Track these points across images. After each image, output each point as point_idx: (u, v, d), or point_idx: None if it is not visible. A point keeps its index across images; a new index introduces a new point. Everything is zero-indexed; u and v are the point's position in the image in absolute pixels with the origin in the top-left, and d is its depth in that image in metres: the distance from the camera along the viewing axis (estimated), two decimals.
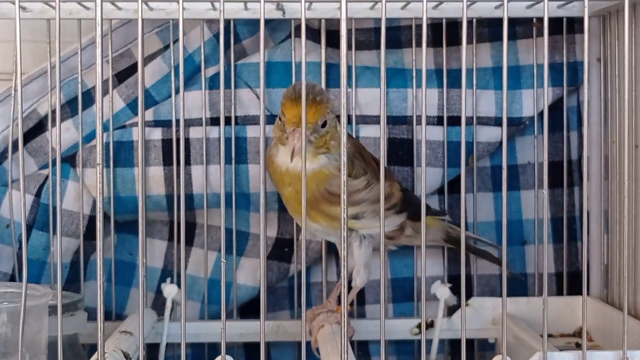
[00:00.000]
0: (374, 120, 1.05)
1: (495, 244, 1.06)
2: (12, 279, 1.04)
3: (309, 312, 0.95)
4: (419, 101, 1.05)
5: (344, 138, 0.74)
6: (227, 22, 1.04)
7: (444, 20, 1.06)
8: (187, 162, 1.04)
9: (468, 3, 0.80)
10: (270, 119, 1.05)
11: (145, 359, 0.77)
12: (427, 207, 1.02)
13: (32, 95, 1.07)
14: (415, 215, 0.94)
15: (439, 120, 1.06)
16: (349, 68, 1.04)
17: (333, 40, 1.05)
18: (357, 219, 0.92)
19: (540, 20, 1.04)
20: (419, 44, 1.05)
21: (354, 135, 1.03)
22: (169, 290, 1.01)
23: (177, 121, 1.04)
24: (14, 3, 0.75)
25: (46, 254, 1.04)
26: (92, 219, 1.04)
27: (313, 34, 1.05)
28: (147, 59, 1.08)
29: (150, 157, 1.04)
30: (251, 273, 1.08)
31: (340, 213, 0.88)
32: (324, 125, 0.88)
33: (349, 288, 0.93)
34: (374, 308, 1.10)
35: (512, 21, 1.05)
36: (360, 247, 0.93)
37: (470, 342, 1.08)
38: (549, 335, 0.95)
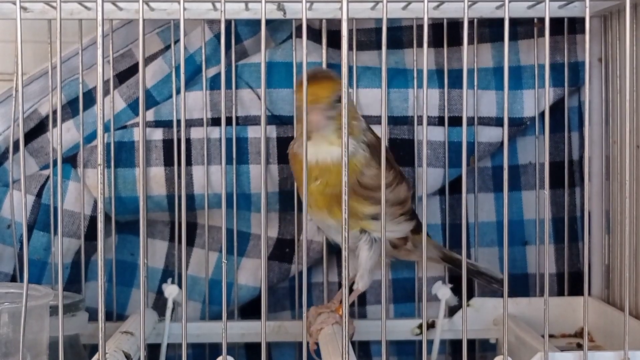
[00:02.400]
0: (375, 120, 1.05)
1: (494, 273, 1.04)
2: (13, 279, 1.04)
3: (312, 309, 0.95)
4: (420, 101, 1.05)
5: (344, 138, 0.74)
6: (228, 23, 1.04)
7: (445, 21, 1.06)
8: (188, 163, 1.04)
9: (469, 3, 0.80)
10: (272, 119, 1.05)
11: None
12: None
13: (33, 96, 1.07)
14: (416, 228, 0.95)
15: (440, 121, 1.06)
16: (350, 68, 1.04)
17: (334, 41, 1.05)
18: (376, 220, 0.90)
19: (541, 20, 1.04)
20: (420, 44, 1.05)
21: None
22: (170, 290, 1.01)
23: (178, 121, 1.04)
24: (14, 3, 0.75)
25: (47, 255, 1.04)
26: (93, 220, 1.04)
27: (314, 34, 1.05)
28: (148, 59, 1.08)
29: (151, 157, 1.04)
30: (252, 273, 1.08)
31: (363, 210, 0.88)
32: (338, 101, 0.86)
33: (350, 290, 0.93)
34: (375, 308, 1.10)
35: (513, 21, 1.05)
36: (370, 251, 0.92)
37: (471, 343, 1.08)
38: (550, 336, 0.95)
